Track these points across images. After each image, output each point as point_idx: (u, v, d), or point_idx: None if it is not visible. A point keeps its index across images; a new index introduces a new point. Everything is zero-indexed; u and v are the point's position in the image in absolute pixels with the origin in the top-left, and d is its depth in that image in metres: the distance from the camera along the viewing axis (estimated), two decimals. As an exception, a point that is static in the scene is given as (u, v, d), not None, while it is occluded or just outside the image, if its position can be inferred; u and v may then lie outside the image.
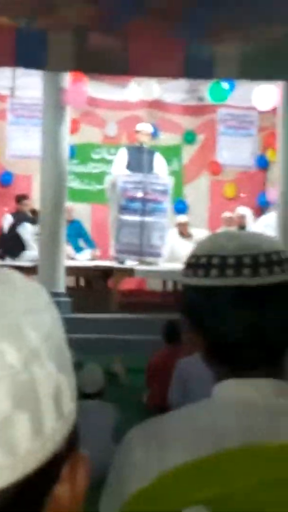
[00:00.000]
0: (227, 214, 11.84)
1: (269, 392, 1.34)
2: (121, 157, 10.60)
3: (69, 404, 0.62)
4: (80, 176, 12.39)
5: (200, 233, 10.87)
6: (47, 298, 0.65)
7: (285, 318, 1.36)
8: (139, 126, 10.74)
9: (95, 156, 12.49)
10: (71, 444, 0.63)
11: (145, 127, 10.80)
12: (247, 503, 1.20)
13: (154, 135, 11.80)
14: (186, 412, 1.39)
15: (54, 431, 0.59)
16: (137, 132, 10.64)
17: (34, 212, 10.82)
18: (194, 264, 1.36)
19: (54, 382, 0.60)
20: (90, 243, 11.32)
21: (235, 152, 12.54)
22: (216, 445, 1.24)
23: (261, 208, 12.29)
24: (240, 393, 1.34)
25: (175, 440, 1.30)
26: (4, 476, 0.56)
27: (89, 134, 12.34)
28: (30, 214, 11.09)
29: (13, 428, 0.56)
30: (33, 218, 10.76)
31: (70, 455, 0.63)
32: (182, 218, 11.44)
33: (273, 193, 10.78)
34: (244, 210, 11.54)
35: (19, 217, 11.06)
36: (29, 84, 10.70)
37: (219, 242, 1.37)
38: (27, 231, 10.88)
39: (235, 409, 1.32)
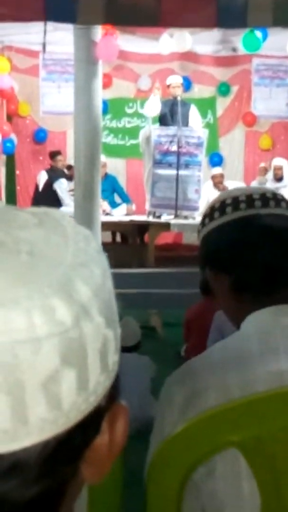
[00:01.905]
0: (262, 165, 11.74)
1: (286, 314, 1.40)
2: (154, 110, 10.51)
3: (113, 357, 0.62)
4: (114, 131, 12.35)
5: (235, 185, 10.80)
6: (97, 247, 0.65)
7: None
8: (169, 80, 10.63)
9: (128, 111, 12.42)
10: (112, 396, 0.63)
11: (175, 79, 10.67)
12: (279, 445, 1.22)
13: (188, 87, 11.69)
14: (216, 348, 1.44)
15: (98, 385, 0.60)
16: (168, 86, 10.54)
17: (69, 168, 10.81)
18: (209, 212, 1.49)
19: (101, 337, 0.59)
20: (126, 198, 11.30)
21: (270, 102, 12.38)
22: (242, 370, 1.30)
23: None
24: (261, 321, 1.39)
25: (207, 376, 1.33)
26: (48, 429, 0.56)
27: (121, 88, 12.27)
28: (65, 170, 11.10)
29: (59, 384, 0.56)
30: (69, 174, 10.76)
31: (110, 407, 0.63)
32: (217, 170, 11.35)
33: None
34: (281, 161, 11.42)
35: (55, 174, 11.08)
36: (61, 39, 10.62)
37: (229, 191, 1.53)
38: (63, 187, 10.90)
39: (257, 336, 1.37)
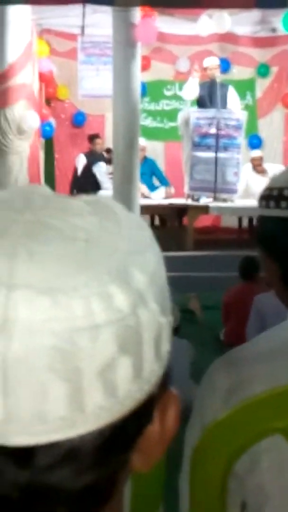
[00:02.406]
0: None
1: None
2: (192, 92, 10.45)
3: (166, 345, 0.62)
4: (153, 113, 12.32)
5: (275, 168, 10.71)
6: (150, 234, 0.65)
7: None
8: (206, 62, 10.55)
9: (167, 93, 12.38)
10: (164, 384, 0.63)
11: (212, 61, 10.58)
12: None
13: (226, 69, 11.60)
14: (263, 338, 1.42)
15: (152, 373, 0.60)
16: (205, 68, 10.46)
17: (108, 151, 10.83)
18: (267, 196, 1.41)
19: (156, 325, 0.59)
20: (164, 181, 11.28)
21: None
22: None
23: None
24: None
25: (253, 365, 1.32)
26: (104, 417, 0.57)
27: (160, 70, 12.21)
28: (104, 154, 11.11)
29: (116, 372, 0.56)
30: (108, 157, 10.77)
31: (162, 395, 0.64)
32: (256, 153, 11.26)
33: None
34: None
35: (93, 157, 11.10)
36: (99, 21, 10.60)
37: None
38: (102, 170, 10.91)
39: None
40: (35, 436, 0.56)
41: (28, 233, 0.58)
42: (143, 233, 0.64)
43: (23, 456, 0.57)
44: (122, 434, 0.59)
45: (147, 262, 0.60)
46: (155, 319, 0.59)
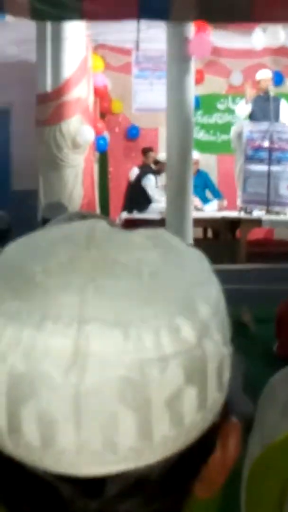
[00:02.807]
0: None
1: None
2: (246, 106, 10.46)
3: (227, 374, 0.63)
4: (206, 127, 12.33)
5: None
6: (209, 266, 0.66)
7: None
8: (259, 75, 10.54)
9: (220, 106, 12.39)
10: (225, 412, 0.65)
11: (264, 74, 10.57)
12: None
13: (280, 82, 11.59)
14: None
15: (214, 402, 0.61)
16: (259, 81, 10.46)
17: (156, 162, 10.89)
18: None
19: (220, 356, 0.61)
20: (217, 194, 11.30)
21: None
22: None
23: None
24: None
25: None
26: (170, 446, 0.58)
27: (213, 84, 12.23)
28: (152, 166, 11.17)
29: (182, 402, 0.57)
30: (156, 168, 10.84)
31: (224, 423, 0.65)
32: (309, 166, 11.20)
33: None
34: None
35: (144, 170, 11.16)
36: (153, 36, 10.66)
37: None
38: (151, 184, 10.96)
39: None
40: (105, 466, 0.57)
41: (96, 268, 0.59)
42: (203, 265, 0.65)
43: (93, 485, 0.58)
44: (188, 463, 0.61)
45: (210, 293, 0.62)
46: (219, 349, 0.61)
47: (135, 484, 0.58)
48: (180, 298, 0.59)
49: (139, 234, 0.65)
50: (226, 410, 0.65)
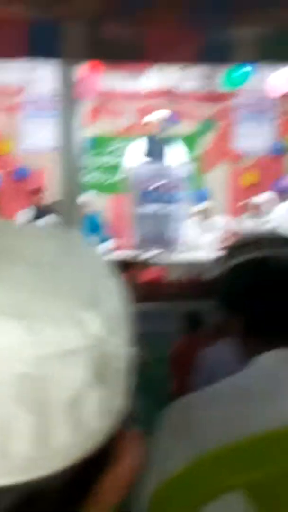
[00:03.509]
0: (249, 200, 11.78)
1: None
2: (137, 147, 10.54)
3: (133, 380, 0.61)
4: (96, 168, 12.35)
5: (221, 221, 10.78)
6: (110, 264, 0.64)
7: None
8: (154, 116, 10.67)
9: (111, 148, 12.44)
10: (126, 421, 0.61)
11: (158, 115, 10.70)
12: (284, 486, 1.14)
13: (172, 123, 11.72)
14: (221, 385, 1.40)
15: (120, 407, 0.58)
16: (153, 122, 10.57)
17: (48, 206, 10.81)
18: (230, 249, 1.46)
19: (126, 356, 0.59)
20: (107, 235, 11.26)
21: (254, 138, 12.47)
22: (247, 408, 1.26)
23: (282, 195, 12.20)
24: (271, 362, 1.36)
25: (209, 410, 1.31)
26: (69, 455, 0.53)
27: (105, 125, 12.31)
28: (46, 208, 11.09)
29: (85, 404, 0.54)
30: (47, 210, 10.77)
31: (124, 433, 0.61)
32: (202, 206, 11.35)
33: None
34: (265, 196, 11.46)
35: (36, 211, 11.06)
36: (42, 77, 10.66)
37: (244, 235, 1.51)
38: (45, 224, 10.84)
39: (266, 376, 1.34)
40: None
41: None
42: (102, 259, 0.63)
43: None
44: (87, 474, 0.56)
45: (114, 288, 0.60)
46: (125, 349, 0.59)
47: (28, 500, 0.53)
48: (84, 290, 0.56)
49: (35, 225, 0.65)
50: (128, 420, 0.61)
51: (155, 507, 1.18)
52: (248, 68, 10.82)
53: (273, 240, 1.43)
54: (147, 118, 10.71)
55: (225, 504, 1.18)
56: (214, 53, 7.61)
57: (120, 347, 0.57)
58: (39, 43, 8.76)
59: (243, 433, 1.17)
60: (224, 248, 1.52)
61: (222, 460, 1.13)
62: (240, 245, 1.44)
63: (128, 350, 0.59)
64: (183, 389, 5.90)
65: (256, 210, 11.40)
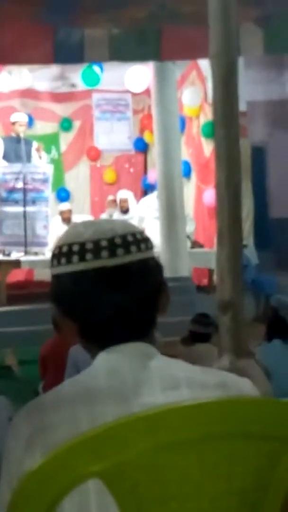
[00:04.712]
0: (110, 197, 11.88)
1: (135, 355, 1.42)
2: (-3, 148, 10.44)
3: None
4: None
5: (83, 219, 10.83)
6: None
7: (147, 294, 1.44)
8: (14, 117, 10.57)
9: None
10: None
11: (20, 117, 10.65)
12: (142, 470, 1.18)
13: (30, 124, 11.67)
14: (67, 384, 1.43)
15: None
16: (13, 123, 10.48)
17: None
18: (57, 254, 1.44)
19: None
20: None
21: (112, 136, 12.55)
22: (91, 406, 1.31)
23: (145, 191, 12.37)
24: (109, 361, 1.41)
25: (55, 411, 1.33)
26: None
27: None
28: None
29: None
30: None
31: None
32: (64, 205, 11.38)
33: (154, 175, 10.85)
34: (126, 193, 11.59)
35: None
36: None
37: (77, 231, 1.44)
38: None
39: (106, 374, 1.39)
40: None
41: None
42: None
43: None
44: None
45: None
46: None
47: None
48: None
49: None
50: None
51: (13, 506, 1.18)
52: (102, 66, 10.93)
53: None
54: (5, 119, 10.61)
55: (82, 495, 1.25)
56: (66, 53, 7.65)
57: None
58: None
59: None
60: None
61: (74, 451, 1.15)
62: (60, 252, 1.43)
63: None
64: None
65: (118, 207, 11.54)
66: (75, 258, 1.41)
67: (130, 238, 1.43)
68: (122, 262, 1.41)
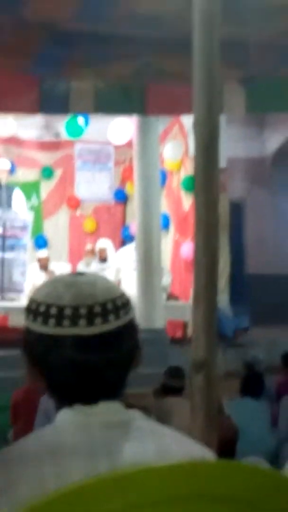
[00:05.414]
0: (88, 246, 11.92)
1: (103, 412, 1.39)
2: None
3: None
4: None
5: (61, 267, 10.86)
6: None
7: (121, 358, 1.41)
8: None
9: None
10: None
11: (2, 164, 10.74)
12: None
13: (12, 171, 11.75)
14: (31, 439, 1.39)
15: None
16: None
17: None
18: (34, 310, 1.40)
19: None
20: None
21: (93, 186, 12.64)
22: (57, 462, 1.28)
23: (123, 241, 12.42)
24: (73, 416, 1.38)
25: (20, 466, 1.30)
26: None
27: None
28: None
29: None
30: None
31: None
32: (42, 253, 11.41)
33: (134, 226, 10.91)
34: (105, 243, 11.64)
35: None
36: None
37: (57, 290, 1.41)
38: None
39: (72, 430, 1.36)
40: None
41: None
42: None
43: None
44: None
45: None
46: None
47: None
48: None
49: None
50: None
51: None
52: (86, 118, 11.06)
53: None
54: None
55: None
56: (52, 103, 7.75)
57: None
58: None
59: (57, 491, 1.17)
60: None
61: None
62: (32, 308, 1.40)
63: None
64: (23, 436, 5.84)
65: (96, 256, 11.58)
66: (51, 321, 1.38)
67: (109, 306, 1.39)
68: (99, 331, 1.38)
